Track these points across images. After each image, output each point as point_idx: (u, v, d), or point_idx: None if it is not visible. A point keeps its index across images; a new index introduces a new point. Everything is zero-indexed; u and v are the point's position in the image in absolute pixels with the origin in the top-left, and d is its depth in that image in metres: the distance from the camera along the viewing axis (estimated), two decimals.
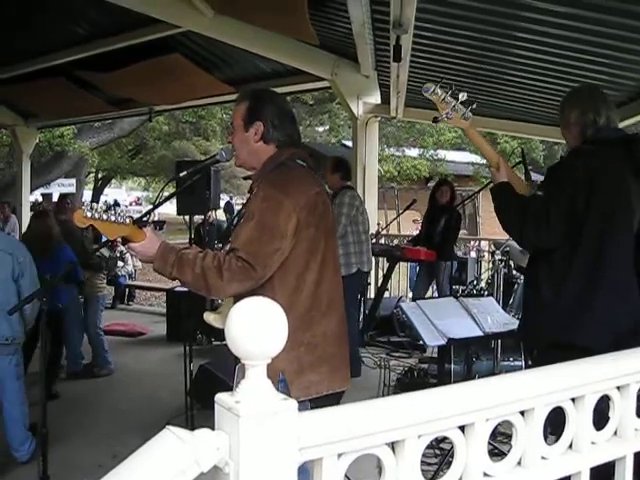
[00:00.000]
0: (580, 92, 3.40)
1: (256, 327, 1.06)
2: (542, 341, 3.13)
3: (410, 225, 14.44)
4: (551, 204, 3.00)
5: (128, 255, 11.90)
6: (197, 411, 5.09)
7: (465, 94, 3.19)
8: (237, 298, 2.57)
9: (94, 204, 2.42)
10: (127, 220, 2.44)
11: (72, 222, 6.75)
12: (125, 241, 2.51)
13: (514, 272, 6.42)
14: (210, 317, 2.77)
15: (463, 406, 1.21)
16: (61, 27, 7.81)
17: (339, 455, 1.11)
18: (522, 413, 1.32)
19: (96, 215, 2.37)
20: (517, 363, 5.24)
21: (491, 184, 3.43)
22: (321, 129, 28.87)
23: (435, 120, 3.33)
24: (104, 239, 7.90)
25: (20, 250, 4.69)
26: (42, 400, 3.34)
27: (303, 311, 2.50)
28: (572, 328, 2.94)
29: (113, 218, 2.40)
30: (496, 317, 4.57)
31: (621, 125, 7.75)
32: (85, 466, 4.27)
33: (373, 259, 7.97)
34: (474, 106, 3.24)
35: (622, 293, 2.96)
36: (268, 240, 2.40)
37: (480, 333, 4.42)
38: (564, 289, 3.01)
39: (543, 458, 1.35)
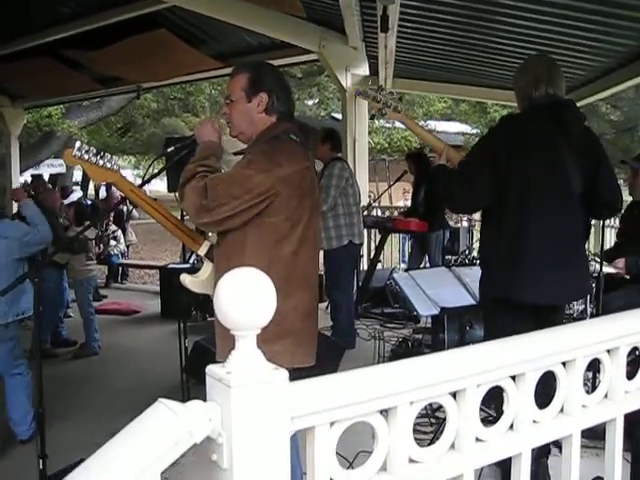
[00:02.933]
0: (525, 63, 3.47)
1: (245, 297, 1.06)
2: (483, 298, 3.35)
3: (401, 196, 14.46)
4: (470, 167, 3.13)
5: (119, 233, 11.92)
6: (193, 387, 5.11)
7: (391, 89, 3.50)
8: (217, 265, 2.68)
9: (85, 145, 2.41)
10: (115, 167, 2.47)
11: (48, 204, 6.72)
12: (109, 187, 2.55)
13: None
14: (187, 279, 2.75)
15: (454, 372, 1.22)
16: (46, 6, 7.72)
17: (331, 424, 1.12)
18: (513, 378, 1.33)
19: (85, 156, 2.37)
20: None
21: None
22: (310, 102, 28.69)
23: (372, 117, 3.60)
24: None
25: (13, 228, 4.77)
26: (37, 380, 3.35)
27: (277, 281, 2.46)
28: (503, 285, 3.07)
29: (101, 162, 2.40)
30: None
31: (610, 92, 7.79)
32: (83, 444, 4.24)
33: (365, 231, 7.98)
34: (402, 101, 3.45)
35: (547, 254, 3.04)
36: (232, 184, 2.45)
37: (473, 302, 4.45)
38: (494, 248, 3.14)
39: (535, 422, 1.36)
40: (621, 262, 4.25)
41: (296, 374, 2.24)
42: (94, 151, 2.39)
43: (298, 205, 2.52)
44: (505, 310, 3.06)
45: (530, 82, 3.20)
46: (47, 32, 8.18)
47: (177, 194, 2.57)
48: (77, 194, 14.94)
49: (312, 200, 2.63)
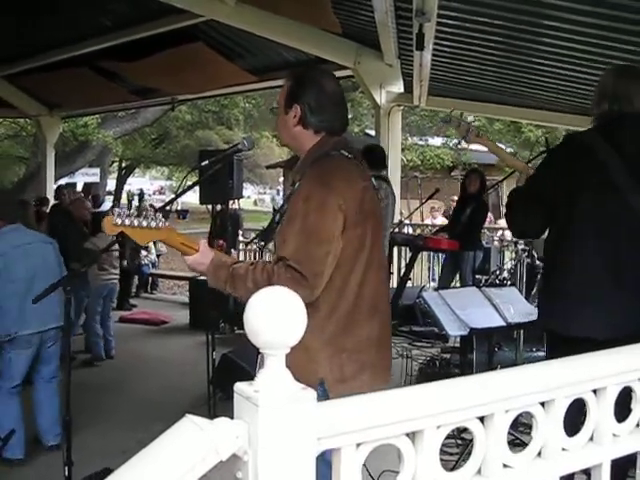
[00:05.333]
0: (605, 73, 3.25)
1: (275, 317, 1.06)
2: (539, 328, 3.22)
3: (429, 215, 14.42)
4: (523, 193, 3.04)
5: (151, 244, 12.02)
6: (219, 400, 5.13)
7: (472, 116, 3.50)
8: None
9: (125, 210, 2.26)
10: (160, 224, 2.30)
11: (77, 214, 6.83)
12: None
13: (537, 262, 6.37)
14: None
15: (482, 397, 1.21)
16: (85, 17, 7.86)
17: (357, 445, 1.11)
18: (542, 404, 1.31)
19: (126, 221, 2.24)
20: (540, 353, 5.22)
21: (514, 173, 3.53)
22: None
23: (459, 143, 3.58)
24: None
25: (53, 240, 4.98)
26: (65, 388, 3.38)
27: (346, 314, 2.33)
28: (547, 315, 2.98)
29: (145, 223, 2.26)
30: (519, 307, 4.54)
31: None
32: (109, 452, 4.32)
33: (395, 249, 7.96)
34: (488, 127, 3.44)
35: (590, 287, 2.83)
36: (316, 245, 2.23)
37: (502, 323, 4.40)
38: (544, 278, 3.07)
39: (564, 450, 1.34)
40: None
41: None
42: (135, 213, 2.26)
43: (363, 230, 2.35)
44: (559, 344, 2.86)
45: (595, 98, 3.01)
46: (86, 43, 8.31)
47: None
48: (109, 204, 15.09)
49: (374, 220, 2.43)
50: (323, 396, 2.21)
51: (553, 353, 2.95)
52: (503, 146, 22.39)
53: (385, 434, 1.13)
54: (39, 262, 4.67)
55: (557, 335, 2.90)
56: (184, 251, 2.38)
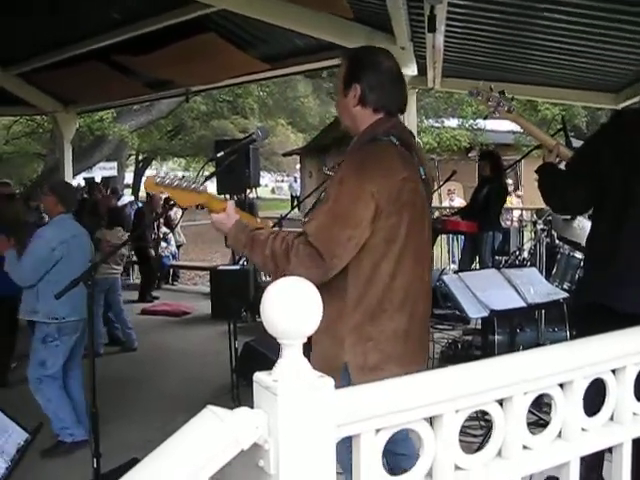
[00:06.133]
0: None
1: (291, 306, 1.08)
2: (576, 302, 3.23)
3: (446, 197, 14.36)
4: (572, 169, 3.00)
5: (171, 235, 12.09)
6: (243, 388, 5.16)
7: (504, 90, 3.34)
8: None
9: (170, 174, 2.35)
10: (201, 188, 2.33)
11: (102, 210, 6.91)
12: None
13: (557, 241, 6.33)
14: None
15: (500, 380, 1.21)
16: (96, 12, 7.87)
17: (377, 430, 1.13)
18: (561, 386, 1.31)
19: (167, 181, 2.27)
20: (562, 333, 5.19)
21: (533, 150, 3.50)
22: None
23: (485, 117, 3.48)
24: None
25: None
26: (90, 380, 3.42)
27: (374, 304, 2.33)
28: (592, 290, 2.95)
29: (185, 184, 2.29)
30: (539, 287, 4.53)
31: None
32: (135, 443, 4.38)
33: None
34: (513, 101, 3.34)
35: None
36: (340, 228, 2.22)
37: (523, 304, 4.39)
38: (591, 254, 3.03)
39: (583, 430, 1.35)
40: None
41: None
42: (179, 176, 2.30)
43: (397, 221, 2.31)
44: (600, 319, 2.70)
45: None
46: (98, 38, 8.32)
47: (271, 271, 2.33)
48: (128, 197, 15.16)
49: (413, 212, 2.37)
50: (348, 381, 2.25)
51: (590, 329, 2.93)
52: (519, 126, 22.29)
53: (404, 419, 1.14)
54: (88, 252, 4.96)
55: (605, 310, 2.81)
56: (214, 211, 2.41)
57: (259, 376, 1.09)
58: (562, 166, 3.26)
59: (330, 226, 2.24)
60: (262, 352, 5.50)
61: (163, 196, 13.97)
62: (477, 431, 4.16)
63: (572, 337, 3.40)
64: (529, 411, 1.28)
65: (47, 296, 4.62)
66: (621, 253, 2.86)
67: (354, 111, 2.48)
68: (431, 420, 1.19)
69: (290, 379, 1.04)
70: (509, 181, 11.37)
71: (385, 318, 2.34)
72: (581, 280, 3.12)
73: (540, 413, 3.80)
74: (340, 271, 2.27)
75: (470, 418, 1.25)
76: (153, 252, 10.78)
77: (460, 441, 1.21)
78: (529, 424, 1.30)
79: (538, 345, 5.08)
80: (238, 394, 5.16)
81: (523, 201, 15.24)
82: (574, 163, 3.07)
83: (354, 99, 2.45)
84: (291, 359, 1.07)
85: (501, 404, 1.25)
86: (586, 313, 3.04)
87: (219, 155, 3.07)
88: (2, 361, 6.20)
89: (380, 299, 2.33)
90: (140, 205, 13.51)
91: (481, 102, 3.46)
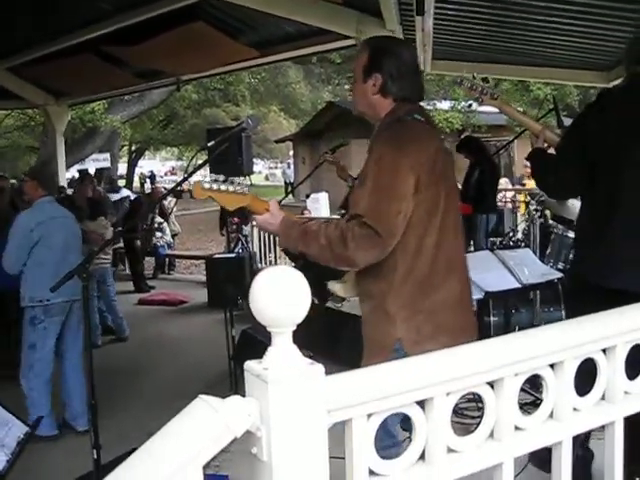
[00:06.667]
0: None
1: (280, 294, 1.08)
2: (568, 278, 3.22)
3: None
4: (563, 152, 3.01)
5: (165, 225, 12.08)
6: (241, 375, 5.17)
7: (488, 77, 3.39)
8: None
9: (213, 175, 2.37)
10: (246, 190, 2.37)
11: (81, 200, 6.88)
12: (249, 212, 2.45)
13: (550, 221, 6.34)
14: (335, 287, 2.65)
15: (490, 362, 1.22)
16: (84, 3, 7.82)
17: (369, 415, 1.14)
18: (552, 366, 1.32)
19: (214, 186, 2.32)
20: (557, 313, 5.21)
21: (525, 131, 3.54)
22: (350, 87, 28.65)
23: (470, 106, 3.49)
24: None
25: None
26: (88, 372, 3.43)
27: (423, 276, 2.35)
28: (581, 263, 3.03)
29: (231, 188, 2.34)
30: (533, 268, 4.55)
31: None
32: (135, 434, 4.39)
33: None
34: (498, 87, 3.36)
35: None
36: (388, 203, 2.25)
37: (517, 285, 4.41)
38: (581, 233, 3.06)
39: (575, 410, 1.36)
40: None
41: None
42: (221, 179, 2.34)
43: (436, 192, 2.35)
44: (588, 295, 2.84)
45: (625, 55, 3.08)
46: (87, 29, 8.27)
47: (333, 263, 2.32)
48: (126, 191, 15.11)
49: (448, 184, 2.43)
50: (403, 357, 2.21)
51: (580, 305, 2.95)
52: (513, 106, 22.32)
53: (395, 403, 1.15)
54: (71, 235, 5.00)
55: (596, 288, 2.85)
56: (258, 212, 2.42)
57: (250, 364, 1.10)
58: (552, 151, 3.28)
59: (379, 203, 2.26)
60: (259, 339, 5.51)
61: (163, 188, 14.00)
62: (475, 412, 4.18)
63: (567, 317, 3.42)
64: (526, 391, 1.29)
65: (30, 279, 4.75)
66: (611, 232, 2.88)
67: (373, 99, 2.51)
68: (422, 403, 1.19)
69: (280, 367, 1.05)
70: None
71: (434, 289, 2.37)
72: (572, 260, 3.16)
73: (537, 393, 3.82)
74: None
75: (467, 400, 1.26)
76: (139, 243, 10.75)
77: (458, 423, 1.22)
78: (526, 404, 1.31)
79: (534, 325, 5.11)
80: (236, 382, 5.18)
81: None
82: (563, 146, 3.09)
83: (374, 87, 2.49)
84: (281, 347, 1.08)
85: (492, 386, 1.26)
86: (577, 292, 3.07)
87: (210, 144, 3.07)
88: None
89: (428, 271, 2.35)
90: (135, 197, 13.48)
91: (465, 90, 3.50)
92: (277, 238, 2.47)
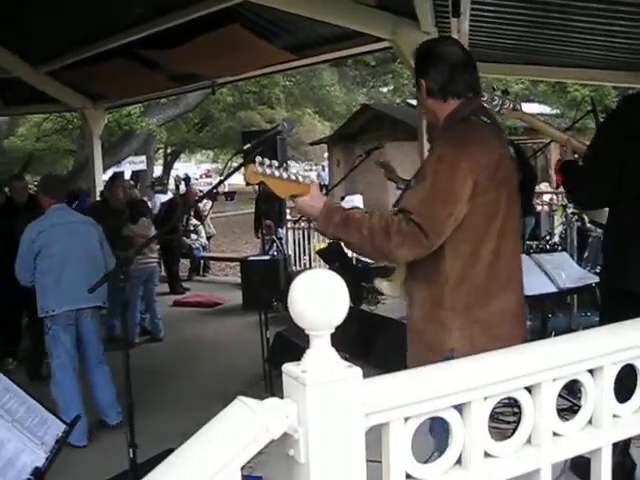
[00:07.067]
0: None
1: (319, 298, 1.08)
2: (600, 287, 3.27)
3: None
4: (590, 163, 2.97)
5: (201, 227, 12.17)
6: (276, 377, 5.19)
7: (507, 89, 3.37)
8: (413, 270, 2.41)
9: (266, 159, 2.19)
10: (300, 178, 2.24)
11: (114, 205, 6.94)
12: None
13: (588, 225, 6.26)
14: (382, 284, 2.57)
15: (528, 367, 1.21)
16: (121, 8, 7.92)
17: (406, 419, 1.14)
18: (591, 372, 1.31)
19: (267, 170, 2.17)
20: (594, 318, 5.14)
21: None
22: (385, 89, 28.60)
23: (498, 112, 3.46)
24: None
25: (98, 224, 5.16)
26: (125, 371, 3.46)
27: (480, 284, 2.27)
28: (611, 272, 2.99)
29: (285, 175, 2.20)
30: (570, 272, 4.49)
31: None
32: (170, 434, 4.41)
33: None
34: (517, 99, 3.35)
35: None
36: (442, 204, 2.19)
37: (554, 289, 4.35)
38: (610, 241, 3.02)
39: (615, 416, 1.34)
40: None
41: None
42: (276, 164, 2.19)
43: (496, 197, 2.27)
44: (620, 303, 2.83)
45: None
46: (124, 34, 8.38)
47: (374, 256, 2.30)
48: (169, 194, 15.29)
49: (509, 189, 2.35)
50: None
51: (614, 313, 2.92)
52: (549, 108, 21.96)
53: (432, 407, 1.14)
54: (78, 242, 4.89)
55: (622, 293, 2.86)
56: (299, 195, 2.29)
57: (288, 367, 1.10)
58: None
59: (432, 202, 2.20)
60: (294, 341, 5.53)
61: (198, 190, 14.12)
62: (510, 417, 4.14)
63: (600, 324, 3.38)
64: (563, 397, 1.28)
65: (38, 289, 4.80)
66: (638, 239, 2.86)
67: (428, 104, 2.50)
68: (460, 407, 1.19)
69: (318, 369, 1.05)
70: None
71: (492, 298, 2.28)
72: (601, 266, 3.13)
73: (574, 399, 3.78)
74: (437, 254, 2.24)
75: (503, 404, 1.25)
76: (176, 244, 10.84)
77: (493, 428, 1.22)
78: (563, 410, 1.29)
79: (571, 330, 5.05)
80: (271, 384, 5.20)
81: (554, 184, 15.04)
82: (591, 156, 3.04)
83: (424, 93, 2.49)
84: (319, 350, 1.09)
85: (530, 391, 1.25)
86: (607, 298, 3.04)
87: (245, 147, 3.09)
88: (35, 355, 6.31)
89: (485, 278, 2.27)
90: (171, 197, 13.61)
91: (486, 103, 3.46)
92: (315, 222, 2.35)
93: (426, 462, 1.20)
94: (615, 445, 1.36)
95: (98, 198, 9.30)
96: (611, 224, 3.09)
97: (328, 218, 2.26)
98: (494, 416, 4.03)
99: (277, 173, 2.18)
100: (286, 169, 2.22)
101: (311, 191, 2.27)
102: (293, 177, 2.22)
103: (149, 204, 10.89)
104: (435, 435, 2.06)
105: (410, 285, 2.45)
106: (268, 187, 2.23)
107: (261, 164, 2.16)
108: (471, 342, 2.24)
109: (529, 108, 22.77)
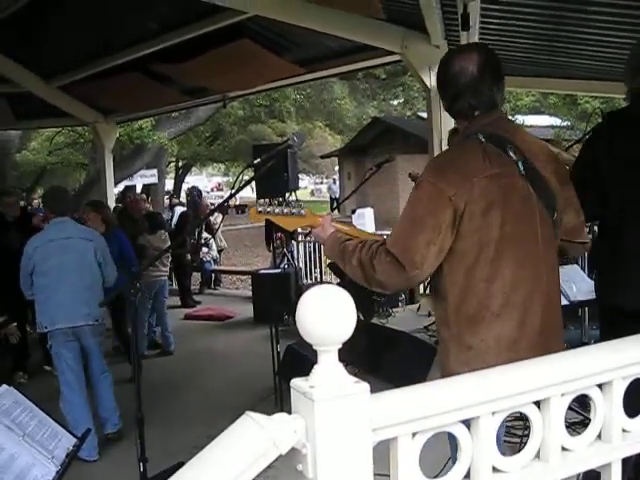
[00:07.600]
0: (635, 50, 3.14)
1: (327, 313, 1.09)
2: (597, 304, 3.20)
3: None
4: (578, 174, 2.95)
5: (212, 241, 12.20)
6: (286, 391, 5.18)
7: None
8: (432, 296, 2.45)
9: (266, 200, 2.43)
10: (303, 211, 2.37)
11: (135, 215, 6.97)
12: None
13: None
14: (423, 299, 2.70)
15: (536, 382, 1.21)
16: (133, 23, 8.00)
17: (413, 434, 1.14)
18: (600, 386, 1.30)
19: (269, 209, 2.34)
20: None
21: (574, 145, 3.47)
22: (395, 102, 28.67)
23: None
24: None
25: (99, 238, 5.10)
26: (136, 385, 3.48)
27: (472, 311, 2.20)
28: (602, 289, 3.00)
29: (286, 210, 2.35)
30: (581, 285, 4.48)
31: None
32: (181, 448, 4.42)
33: None
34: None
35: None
36: (417, 233, 2.13)
37: (565, 302, 4.34)
38: (599, 256, 3.03)
39: (625, 431, 1.33)
40: None
41: None
42: (276, 202, 2.39)
43: (484, 223, 2.15)
44: (613, 319, 2.86)
45: (627, 72, 2.92)
46: (135, 48, 8.45)
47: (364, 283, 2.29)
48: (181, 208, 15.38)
49: (509, 211, 2.18)
50: None
51: (617, 330, 2.92)
52: (559, 120, 21.90)
53: (440, 422, 1.14)
54: (74, 257, 4.81)
55: (623, 311, 2.83)
56: (314, 226, 2.48)
57: (296, 382, 1.11)
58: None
59: (408, 234, 2.17)
60: (304, 355, 5.52)
61: (209, 202, 14.19)
62: (520, 432, 4.11)
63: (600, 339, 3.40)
64: (574, 410, 1.28)
65: (35, 305, 4.81)
66: (625, 255, 2.86)
67: (454, 121, 2.47)
68: (467, 423, 1.19)
69: (326, 385, 1.06)
70: None
71: (484, 326, 2.19)
72: (595, 283, 3.14)
73: (585, 412, 3.75)
74: (439, 278, 2.23)
75: (514, 418, 1.25)
76: (189, 257, 10.88)
77: (504, 442, 1.21)
78: (574, 424, 1.29)
79: (583, 343, 5.02)
80: (281, 397, 5.19)
81: None
82: (577, 171, 3.04)
83: (446, 111, 2.46)
84: (327, 365, 1.09)
85: (539, 405, 1.25)
86: (602, 313, 3.06)
87: (256, 161, 3.11)
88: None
89: (477, 305, 2.19)
90: (183, 210, 13.66)
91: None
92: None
93: (441, 471, 1.19)
94: (626, 461, 1.35)
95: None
96: (598, 240, 3.10)
97: (331, 249, 2.40)
98: (505, 430, 4.01)
99: (277, 210, 2.36)
100: (287, 205, 2.38)
101: (321, 221, 2.44)
102: (294, 211, 2.38)
103: (164, 216, 10.96)
104: (450, 444, 2.06)
105: (432, 304, 2.55)
106: (275, 225, 2.43)
107: (261, 205, 2.36)
108: (469, 367, 2.12)
109: (540, 120, 22.76)
